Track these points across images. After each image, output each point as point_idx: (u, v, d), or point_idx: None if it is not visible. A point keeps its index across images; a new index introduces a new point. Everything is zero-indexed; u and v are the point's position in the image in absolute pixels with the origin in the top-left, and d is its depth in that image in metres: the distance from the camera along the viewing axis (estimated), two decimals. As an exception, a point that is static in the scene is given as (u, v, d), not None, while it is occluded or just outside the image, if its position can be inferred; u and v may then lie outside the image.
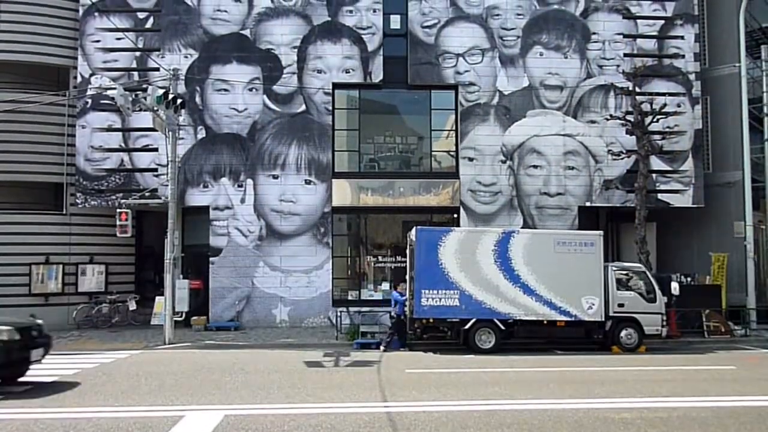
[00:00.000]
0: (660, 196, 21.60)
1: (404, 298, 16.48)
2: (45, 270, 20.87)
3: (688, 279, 20.55)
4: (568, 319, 15.65)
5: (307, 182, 20.89)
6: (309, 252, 20.76)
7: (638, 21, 22.06)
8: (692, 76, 21.97)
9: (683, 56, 22.00)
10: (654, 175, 21.33)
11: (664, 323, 16.31)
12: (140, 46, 21.12)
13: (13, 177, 21.07)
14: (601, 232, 16.65)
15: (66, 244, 21.23)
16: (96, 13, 20.93)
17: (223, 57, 21.04)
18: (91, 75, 21.00)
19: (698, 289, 20.22)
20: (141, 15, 21.27)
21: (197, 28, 21.14)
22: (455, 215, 21.35)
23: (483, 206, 21.26)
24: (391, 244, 21.77)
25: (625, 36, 21.93)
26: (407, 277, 16.70)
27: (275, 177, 20.85)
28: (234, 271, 20.58)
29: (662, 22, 22.11)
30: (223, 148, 20.90)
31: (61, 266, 21.00)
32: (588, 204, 21.48)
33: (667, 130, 21.19)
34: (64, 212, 21.42)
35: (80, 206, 20.84)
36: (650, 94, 21.14)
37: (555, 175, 21.34)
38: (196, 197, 20.81)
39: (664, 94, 21.35)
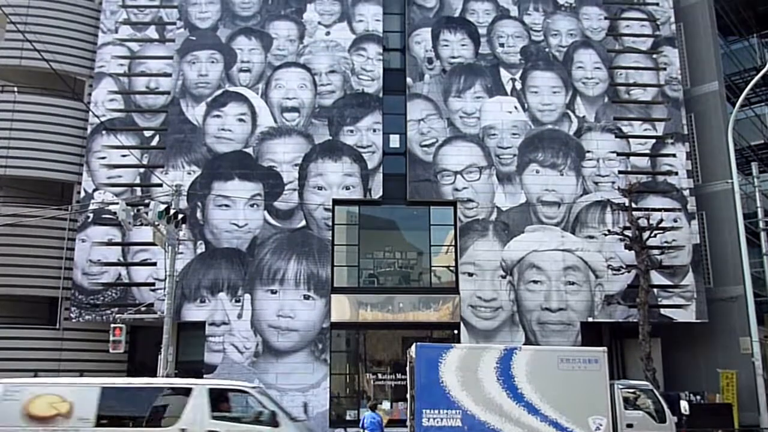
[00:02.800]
0: (663, 311, 21.33)
1: (378, 419, 15.86)
2: (32, 388, 20.13)
3: (698, 397, 19.89)
4: (576, 440, 14.94)
5: (306, 297, 20.66)
6: (306, 369, 20.17)
7: (630, 140, 22.74)
8: (686, 192, 22.35)
9: (676, 173, 22.49)
10: (655, 290, 21.18)
11: (676, 445, 15.58)
12: (145, 162, 21.60)
13: (9, 291, 20.88)
14: (605, 349, 16.25)
15: (56, 360, 20.66)
16: (104, 132, 21.57)
17: (225, 174, 21.46)
18: (94, 190, 21.34)
19: (709, 408, 19.51)
20: (147, 133, 21.92)
21: (201, 145, 21.71)
22: (456, 331, 20.94)
23: (484, 322, 20.92)
24: (390, 361, 21.21)
25: (618, 154, 22.52)
26: (407, 396, 16.12)
27: (273, 292, 20.65)
28: (228, 390, 19.85)
29: (654, 141, 22.78)
30: (222, 263, 20.84)
31: (49, 384, 20.28)
32: (590, 319, 21.16)
33: (666, 245, 21.29)
34: (57, 327, 21.03)
35: (74, 321, 20.49)
36: (646, 209, 21.40)
37: (556, 290, 21.17)
38: (193, 312, 20.50)
39: (660, 210, 21.63)
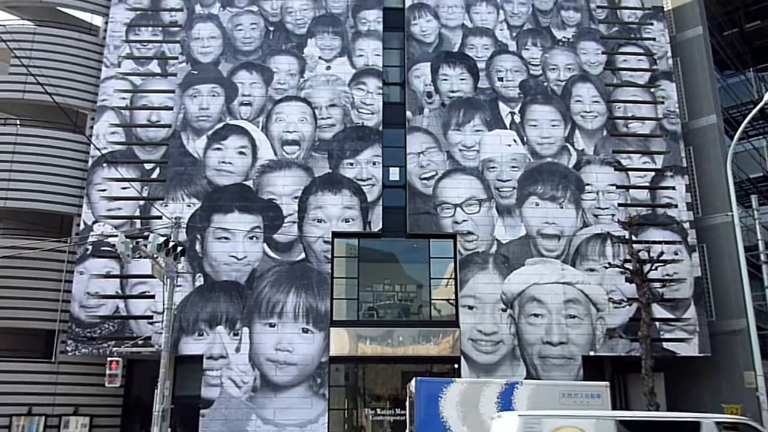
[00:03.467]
0: (665, 344, 21.12)
1: None
2: (26, 422, 19.93)
3: (703, 434, 19.48)
4: (580, 478, 14.63)
5: (305, 331, 20.49)
6: (304, 404, 19.90)
7: (630, 173, 22.80)
8: (686, 225, 22.32)
9: (676, 206, 22.50)
10: (657, 323, 21.01)
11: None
12: (145, 195, 21.64)
13: (5, 324, 20.72)
14: (608, 383, 16.07)
15: (51, 394, 20.43)
16: (104, 164, 21.66)
17: (225, 206, 21.48)
18: (94, 222, 21.33)
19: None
20: (148, 166, 22.00)
21: (201, 178, 21.77)
22: (456, 365, 20.71)
23: (484, 356, 20.70)
24: (390, 395, 20.92)
25: (618, 187, 22.56)
26: (407, 431, 15.86)
27: (272, 325, 20.48)
28: (225, 425, 19.59)
29: (653, 173, 22.83)
30: (221, 296, 20.72)
31: (43, 418, 20.05)
32: (592, 353, 20.93)
33: (667, 277, 21.20)
34: (53, 360, 20.82)
35: (70, 354, 20.28)
36: (647, 242, 21.35)
37: (557, 323, 20.99)
38: (190, 346, 20.31)
39: (660, 243, 21.58)
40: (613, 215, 22.09)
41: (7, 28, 23.17)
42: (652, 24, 24.54)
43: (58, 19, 25.26)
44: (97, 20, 25.12)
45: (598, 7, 24.59)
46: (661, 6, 24.95)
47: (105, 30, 23.88)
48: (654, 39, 24.36)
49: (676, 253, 21.75)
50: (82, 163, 22.52)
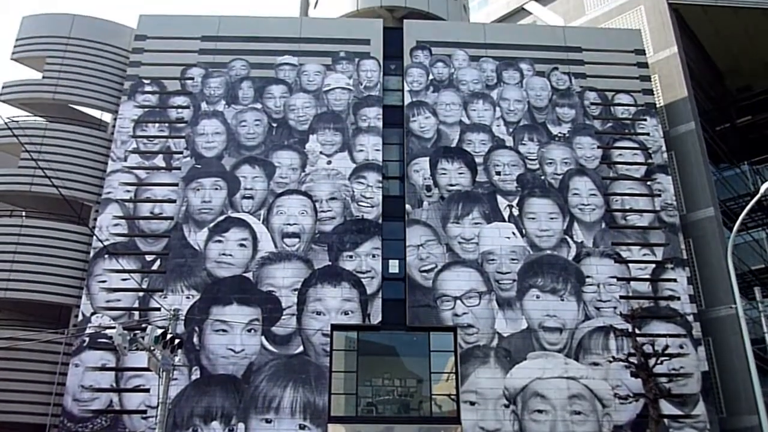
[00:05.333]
0: (675, 444, 20.37)
1: None
2: None
3: None
4: None
5: (302, 427, 19.90)
6: (300, 507, 19.07)
7: (630, 265, 22.74)
8: (690, 318, 22.04)
9: (678, 298, 22.30)
10: (666, 420, 20.32)
11: None
12: (145, 286, 21.63)
13: (-4, 419, 20.24)
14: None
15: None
16: (106, 256, 21.79)
17: (224, 298, 21.41)
18: (92, 314, 21.24)
19: None
20: (148, 257, 22.11)
21: (201, 270, 21.83)
22: (458, 464, 19.96)
23: (487, 454, 19.96)
24: (389, 497, 20.07)
25: (618, 279, 22.46)
26: None
27: (268, 421, 19.93)
28: None
29: (653, 265, 22.77)
30: (217, 390, 20.30)
31: None
32: (599, 453, 20.18)
33: (673, 372, 20.74)
34: (42, 457, 20.19)
35: (60, 452, 19.68)
36: (651, 335, 21.03)
37: (561, 420, 20.36)
38: (184, 443, 19.71)
39: (665, 336, 21.25)
40: (615, 308, 21.88)
41: (20, 123, 24.03)
42: (645, 119, 25.19)
43: (69, 115, 26.16)
44: (107, 116, 26.07)
45: (592, 104, 25.35)
46: (654, 102, 25.69)
47: (113, 126, 24.69)
48: (648, 134, 24.93)
49: (681, 347, 21.36)
50: (83, 254, 22.67)
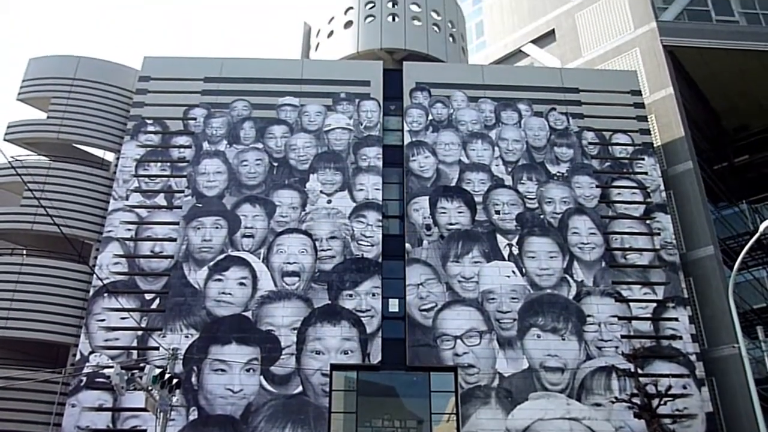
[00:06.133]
0: (680, 487, 19.99)
1: None
2: None
3: None
4: None
5: (300, 470, 19.59)
6: None
7: (631, 304, 22.65)
8: (693, 357, 21.84)
9: (680, 337, 22.14)
10: (670, 463, 19.98)
11: None
12: (144, 325, 21.53)
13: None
14: None
15: None
16: (105, 294, 21.75)
17: (223, 337, 21.30)
18: (90, 353, 21.09)
19: None
20: (148, 296, 22.07)
21: (201, 309, 21.76)
22: None
23: (489, 498, 19.58)
24: None
25: (620, 318, 22.35)
26: None
27: (266, 463, 19.61)
28: None
29: (654, 304, 22.67)
30: (215, 431, 20.01)
31: None
32: (603, 496, 19.79)
33: (677, 413, 20.45)
34: (35, 502, 19.81)
35: (54, 496, 19.33)
36: (653, 375, 20.80)
37: (564, 462, 20.03)
38: (180, 486, 19.37)
39: (668, 376, 21.02)
40: (616, 347, 21.71)
41: (23, 162, 24.24)
42: (643, 159, 25.38)
43: (73, 154, 26.40)
44: (109, 156, 26.30)
45: (590, 143, 25.58)
46: (651, 142, 25.92)
47: (116, 165, 24.89)
48: (646, 173, 25.09)
49: (684, 387, 21.13)
50: (83, 293, 22.64)
